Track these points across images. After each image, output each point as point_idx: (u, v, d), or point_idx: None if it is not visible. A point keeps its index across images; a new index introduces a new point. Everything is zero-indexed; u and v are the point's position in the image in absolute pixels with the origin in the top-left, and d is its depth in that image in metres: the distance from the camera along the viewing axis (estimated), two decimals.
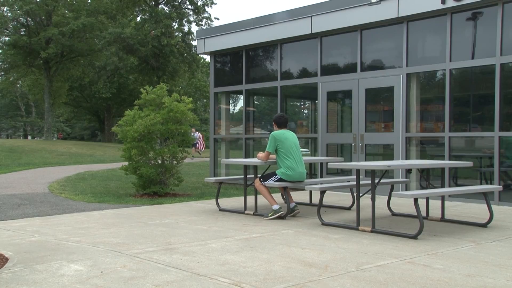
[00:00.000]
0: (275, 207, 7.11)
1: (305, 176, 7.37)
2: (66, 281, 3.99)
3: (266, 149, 7.33)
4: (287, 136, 7.28)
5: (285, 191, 7.28)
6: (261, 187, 7.30)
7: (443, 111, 9.24)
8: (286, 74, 11.88)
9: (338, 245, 5.34)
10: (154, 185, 9.82)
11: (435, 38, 9.62)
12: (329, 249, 5.15)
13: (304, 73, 11.65)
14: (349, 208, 7.97)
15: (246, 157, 12.31)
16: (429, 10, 9.17)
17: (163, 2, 39.68)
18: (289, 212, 7.22)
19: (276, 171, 7.32)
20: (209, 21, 39.90)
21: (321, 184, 7.20)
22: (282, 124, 7.45)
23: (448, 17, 9.13)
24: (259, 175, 7.60)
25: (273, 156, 7.38)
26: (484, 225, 6.47)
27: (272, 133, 7.31)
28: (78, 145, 33.77)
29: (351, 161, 10.30)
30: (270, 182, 7.22)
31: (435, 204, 7.86)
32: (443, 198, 7.08)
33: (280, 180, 7.21)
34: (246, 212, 7.58)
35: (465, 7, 8.89)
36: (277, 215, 7.07)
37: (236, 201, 9.06)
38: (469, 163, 7.32)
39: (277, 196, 8.58)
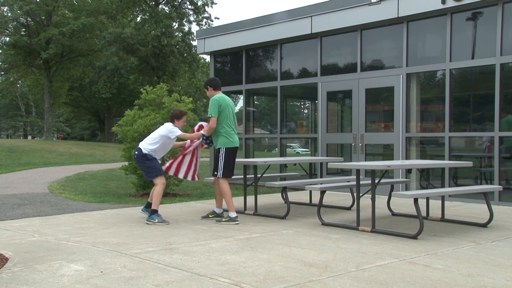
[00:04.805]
0: (232, 214, 6.67)
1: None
2: (66, 281, 3.99)
3: (210, 115, 6.67)
4: (228, 102, 6.78)
5: (284, 192, 7.26)
6: (225, 185, 6.70)
7: (443, 111, 9.24)
8: (286, 74, 11.88)
9: (338, 245, 5.34)
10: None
11: (435, 38, 9.62)
12: (329, 249, 5.15)
13: (304, 73, 11.65)
14: (349, 208, 7.97)
15: (246, 157, 12.31)
16: (429, 10, 9.17)
17: (163, 2, 39.66)
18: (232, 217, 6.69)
19: (218, 145, 6.75)
20: (209, 21, 39.89)
21: (321, 184, 7.20)
22: (217, 87, 6.90)
23: (448, 17, 9.13)
24: (215, 172, 6.79)
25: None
26: (484, 225, 6.47)
27: (214, 97, 6.74)
28: (78, 145, 33.77)
29: (351, 161, 10.30)
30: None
31: (435, 204, 7.86)
32: (443, 198, 7.08)
33: (226, 152, 6.69)
34: (246, 212, 7.58)
35: (465, 7, 8.89)
36: (232, 223, 6.61)
37: (236, 201, 9.00)
38: (469, 163, 7.33)
39: (277, 197, 8.56)
